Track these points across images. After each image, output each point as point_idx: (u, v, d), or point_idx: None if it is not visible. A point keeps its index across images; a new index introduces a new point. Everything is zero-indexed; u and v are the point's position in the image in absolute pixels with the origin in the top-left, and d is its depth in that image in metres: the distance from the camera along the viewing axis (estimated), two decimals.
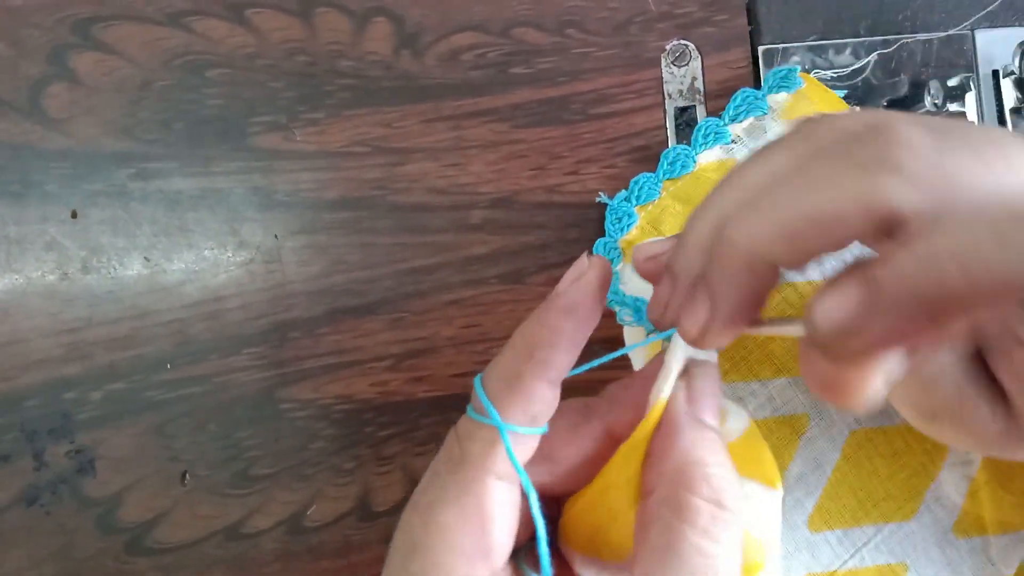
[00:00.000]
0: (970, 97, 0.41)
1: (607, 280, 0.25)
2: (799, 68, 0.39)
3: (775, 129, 0.38)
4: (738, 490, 0.23)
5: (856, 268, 0.20)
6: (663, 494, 0.23)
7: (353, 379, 0.39)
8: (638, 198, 0.38)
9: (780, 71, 0.39)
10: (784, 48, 0.40)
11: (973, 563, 0.36)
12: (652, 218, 0.38)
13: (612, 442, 0.26)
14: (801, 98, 0.39)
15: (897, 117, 0.21)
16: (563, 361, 0.24)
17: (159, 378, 0.39)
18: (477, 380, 0.26)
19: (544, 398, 0.24)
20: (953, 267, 0.18)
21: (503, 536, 0.24)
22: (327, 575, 0.39)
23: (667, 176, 0.38)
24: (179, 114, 0.39)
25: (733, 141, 0.39)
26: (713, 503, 0.23)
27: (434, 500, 0.24)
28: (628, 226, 0.38)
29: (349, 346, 0.39)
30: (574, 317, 0.24)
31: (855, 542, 0.36)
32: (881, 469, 0.36)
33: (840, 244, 0.20)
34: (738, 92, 0.39)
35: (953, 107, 0.41)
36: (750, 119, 0.39)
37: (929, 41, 0.41)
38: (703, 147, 0.38)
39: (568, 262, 0.40)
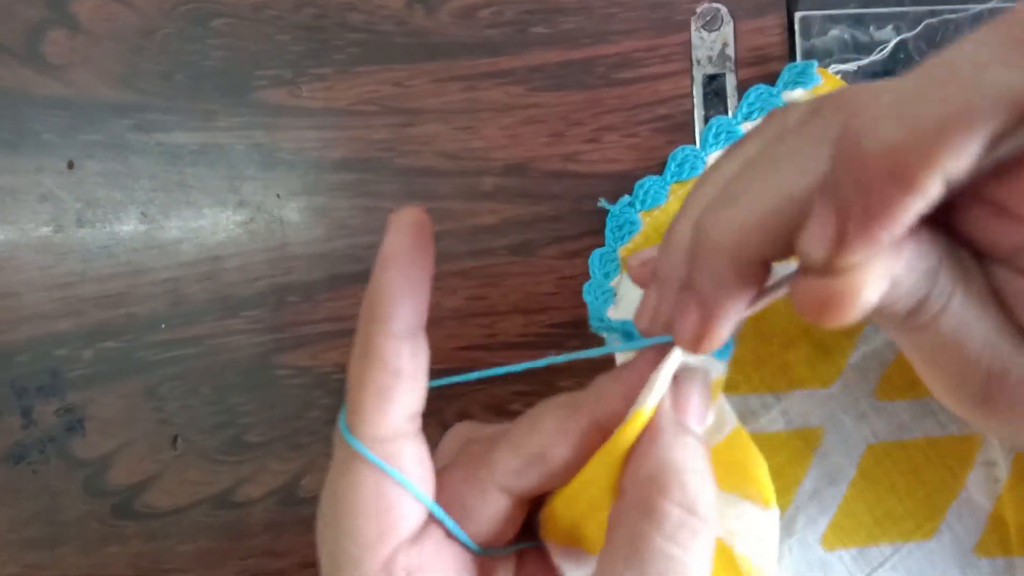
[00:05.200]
0: None
1: (413, 224, 0.25)
2: (816, 63, 0.37)
3: None
4: (714, 500, 0.23)
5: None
6: (635, 496, 0.22)
7: (352, 348, 0.37)
8: (643, 203, 0.36)
9: (796, 66, 0.37)
10: (823, 16, 0.38)
11: None
12: (658, 225, 0.36)
13: (603, 436, 0.24)
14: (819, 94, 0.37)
15: (859, 87, 0.21)
16: (401, 311, 0.24)
17: (152, 338, 0.37)
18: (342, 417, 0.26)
19: (398, 352, 0.24)
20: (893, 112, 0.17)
21: (404, 505, 0.25)
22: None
23: (675, 179, 0.36)
24: (181, 65, 0.38)
25: None
26: (684, 509, 0.22)
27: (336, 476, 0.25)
28: (629, 234, 0.36)
29: (349, 313, 0.38)
30: (393, 269, 0.24)
31: (871, 561, 0.34)
32: (900, 486, 0.35)
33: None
34: (751, 89, 0.37)
35: None
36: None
37: (979, 14, 0.38)
38: (713, 147, 0.37)
39: (583, 235, 0.38)
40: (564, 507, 0.25)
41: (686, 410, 0.24)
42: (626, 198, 0.36)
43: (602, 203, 0.37)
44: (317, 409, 0.38)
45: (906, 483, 0.35)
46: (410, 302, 0.24)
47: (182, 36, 0.38)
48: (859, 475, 0.35)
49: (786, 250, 0.20)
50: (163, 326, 0.37)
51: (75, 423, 0.37)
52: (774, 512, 0.25)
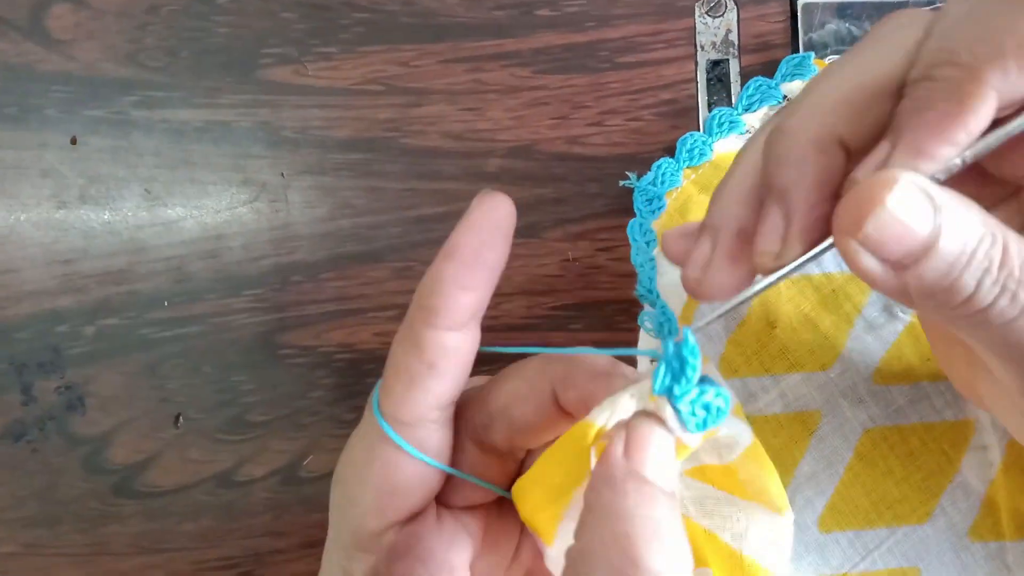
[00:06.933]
0: None
1: (498, 218, 0.24)
2: (813, 55, 0.37)
3: None
4: (687, 548, 0.21)
5: None
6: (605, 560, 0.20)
7: (356, 328, 0.37)
8: (662, 183, 0.37)
9: (794, 58, 0.37)
10: (824, 4, 0.38)
11: (989, 569, 0.35)
12: (679, 205, 0.37)
13: (563, 415, 0.25)
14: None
15: None
16: (451, 305, 0.23)
17: (154, 316, 0.37)
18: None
19: (438, 345, 0.24)
20: None
21: (415, 473, 0.25)
22: (319, 529, 0.37)
23: (686, 164, 0.37)
24: (186, 42, 0.37)
25: (748, 131, 0.37)
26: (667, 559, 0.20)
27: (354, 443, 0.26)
28: (659, 209, 0.37)
29: (353, 293, 0.37)
30: (453, 260, 0.24)
31: (867, 545, 0.35)
32: (896, 469, 0.35)
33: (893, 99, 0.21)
34: (750, 81, 0.37)
35: None
36: (764, 109, 0.37)
37: None
38: (718, 135, 0.37)
39: (587, 218, 0.39)
40: (524, 491, 0.25)
41: (639, 459, 0.22)
42: (648, 176, 0.37)
43: (632, 179, 0.37)
44: (320, 389, 0.37)
45: (902, 467, 0.35)
46: (464, 297, 0.24)
47: (187, 13, 0.37)
48: (856, 459, 0.35)
49: (863, 132, 0.21)
50: (166, 304, 0.37)
51: (76, 400, 0.37)
52: (787, 518, 0.25)
